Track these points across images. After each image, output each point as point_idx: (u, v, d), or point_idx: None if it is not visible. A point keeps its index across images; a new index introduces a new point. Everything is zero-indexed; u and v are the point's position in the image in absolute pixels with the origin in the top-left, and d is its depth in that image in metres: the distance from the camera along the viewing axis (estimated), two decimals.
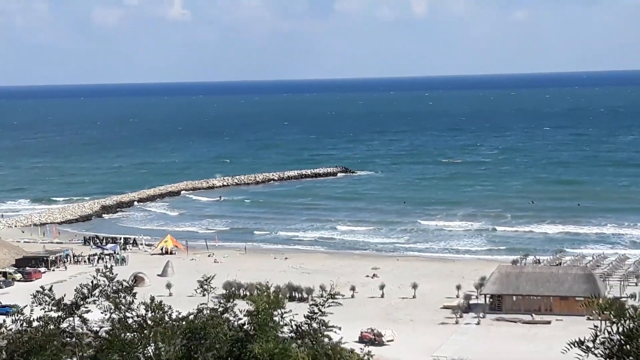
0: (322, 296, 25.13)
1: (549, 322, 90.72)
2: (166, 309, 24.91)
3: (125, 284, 26.01)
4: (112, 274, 26.26)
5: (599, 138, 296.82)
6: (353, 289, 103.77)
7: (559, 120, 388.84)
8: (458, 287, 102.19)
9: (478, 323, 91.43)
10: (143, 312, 24.72)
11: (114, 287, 25.78)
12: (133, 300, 25.09)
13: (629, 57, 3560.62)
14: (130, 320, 24.66)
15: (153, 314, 24.63)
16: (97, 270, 26.56)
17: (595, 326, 13.56)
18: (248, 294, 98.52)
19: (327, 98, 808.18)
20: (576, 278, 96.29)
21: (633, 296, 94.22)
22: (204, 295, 71.18)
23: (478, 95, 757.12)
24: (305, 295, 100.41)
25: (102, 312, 25.43)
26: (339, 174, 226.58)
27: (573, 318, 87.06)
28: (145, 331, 24.14)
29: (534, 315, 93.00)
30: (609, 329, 13.30)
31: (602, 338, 13.33)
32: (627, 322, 13.21)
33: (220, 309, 25.42)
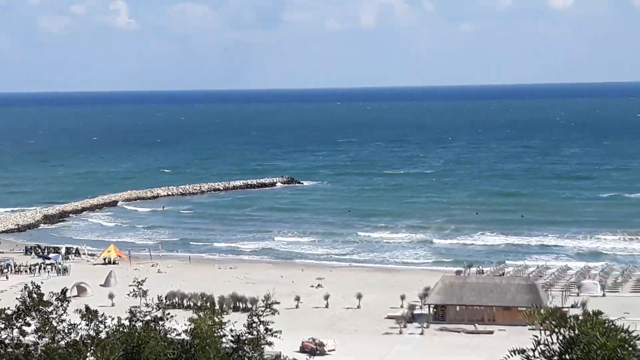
0: (260, 306, 24.92)
1: (491, 332, 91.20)
2: (101, 318, 24.42)
3: (56, 295, 25.46)
4: (40, 290, 25.71)
5: (543, 150, 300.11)
6: (297, 299, 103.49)
7: (503, 132, 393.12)
8: (402, 298, 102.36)
9: (422, 333, 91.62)
10: (78, 321, 24.23)
11: (39, 301, 25.21)
12: (65, 311, 24.58)
13: (575, 70, 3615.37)
14: (61, 334, 24.14)
15: (89, 324, 24.14)
16: (25, 287, 26.04)
17: (535, 336, 13.54)
18: (192, 304, 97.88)
19: (275, 108, 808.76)
20: (519, 288, 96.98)
21: (574, 306, 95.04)
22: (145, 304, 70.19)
23: (424, 106, 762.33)
24: (249, 306, 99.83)
25: (34, 326, 24.88)
26: (284, 184, 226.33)
27: (516, 328, 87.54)
28: (82, 347, 23.64)
29: (477, 325, 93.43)
30: (549, 338, 13.30)
31: (543, 347, 13.31)
32: (567, 331, 13.22)
33: (159, 315, 25.02)
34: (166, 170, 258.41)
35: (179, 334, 25.06)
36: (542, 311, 13.36)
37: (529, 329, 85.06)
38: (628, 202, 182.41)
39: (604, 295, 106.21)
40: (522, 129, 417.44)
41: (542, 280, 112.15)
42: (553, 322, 13.35)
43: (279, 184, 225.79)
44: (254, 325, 24.71)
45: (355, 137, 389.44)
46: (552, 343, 13.27)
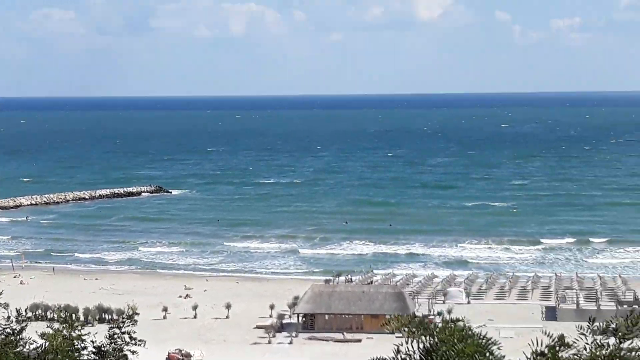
0: (121, 316, 24.26)
1: (359, 340, 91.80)
2: None
3: None
4: None
5: (410, 160, 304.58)
6: (165, 309, 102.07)
7: (372, 142, 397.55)
8: (271, 307, 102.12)
9: (291, 342, 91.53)
10: None
11: None
12: None
13: (441, 81, 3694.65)
14: None
15: None
16: None
17: (395, 344, 13.52)
18: (56, 316, 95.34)
19: (144, 116, 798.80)
20: (386, 296, 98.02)
21: (440, 313, 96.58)
22: None
23: (295, 115, 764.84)
24: (116, 317, 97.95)
25: None
26: (152, 193, 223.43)
27: (383, 336, 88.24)
28: None
29: (345, 333, 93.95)
30: (410, 346, 13.30)
31: (404, 355, 13.29)
32: (427, 338, 13.25)
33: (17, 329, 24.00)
34: (25, 180, 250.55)
35: (37, 348, 24.05)
36: (401, 319, 13.34)
37: (397, 337, 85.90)
38: (492, 211, 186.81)
39: (469, 302, 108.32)
40: (390, 138, 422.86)
41: (409, 288, 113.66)
42: (412, 330, 13.36)
43: (146, 193, 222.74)
44: (116, 336, 23.98)
45: (224, 145, 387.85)
46: (414, 351, 13.27)
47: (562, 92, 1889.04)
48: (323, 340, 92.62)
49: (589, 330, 13.75)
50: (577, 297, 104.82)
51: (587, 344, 13.62)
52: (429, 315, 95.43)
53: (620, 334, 13.79)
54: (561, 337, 13.03)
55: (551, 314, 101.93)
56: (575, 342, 13.93)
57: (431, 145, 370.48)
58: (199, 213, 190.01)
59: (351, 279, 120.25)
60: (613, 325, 14.12)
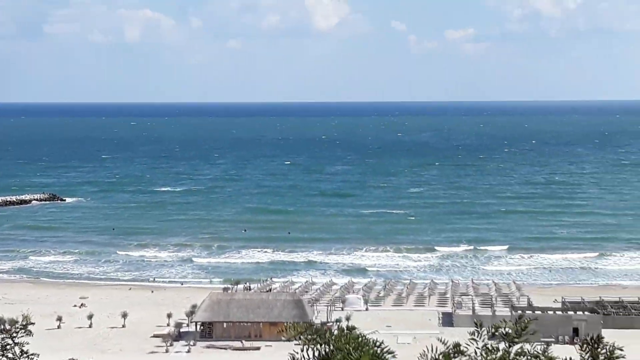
0: (14, 326, 23.61)
1: (258, 348, 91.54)
2: None
3: None
4: None
5: (308, 167, 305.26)
6: (59, 319, 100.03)
7: (271, 149, 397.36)
8: (169, 315, 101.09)
9: (189, 351, 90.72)
10: None
11: None
12: None
13: (339, 89, 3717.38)
14: None
15: None
16: None
17: (291, 352, 13.40)
18: None
19: (38, 122, 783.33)
20: (285, 304, 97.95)
21: (338, 320, 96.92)
22: None
23: (193, 122, 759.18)
24: (8, 327, 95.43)
25: None
26: (45, 201, 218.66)
27: (282, 343, 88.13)
28: None
29: (243, 341, 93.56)
30: (306, 354, 13.20)
31: None
32: (323, 345, 13.17)
33: None
34: None
35: None
36: (297, 326, 13.24)
37: (295, 345, 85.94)
38: (390, 218, 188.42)
39: (367, 309, 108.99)
40: (288, 146, 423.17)
41: (308, 295, 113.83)
42: (308, 337, 13.27)
43: (36, 202, 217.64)
44: (8, 347, 23.34)
45: (120, 152, 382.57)
46: (309, 359, 13.18)
47: (457, 102, 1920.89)
48: (221, 348, 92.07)
49: (479, 335, 13.86)
50: (473, 303, 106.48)
51: (478, 348, 13.75)
52: (328, 322, 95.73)
53: (510, 338, 13.96)
54: (456, 345, 13.14)
55: (448, 319, 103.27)
56: (467, 348, 14.05)
57: (329, 154, 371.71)
58: (94, 221, 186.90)
59: (250, 286, 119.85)
60: (503, 330, 14.29)
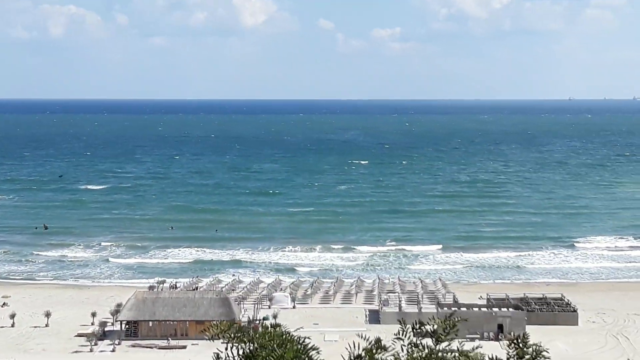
0: None
1: (184, 347, 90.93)
2: None
3: None
4: None
5: (235, 166, 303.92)
6: None
7: (197, 147, 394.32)
8: (93, 315, 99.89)
9: (113, 350, 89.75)
10: None
11: None
12: None
13: (266, 87, 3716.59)
14: None
15: None
16: None
17: (215, 350, 13.28)
18: None
19: None
20: (212, 302, 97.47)
21: (266, 318, 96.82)
22: None
23: (117, 119, 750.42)
24: None
25: None
26: None
27: (209, 342, 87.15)
28: None
29: (169, 340, 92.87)
30: (230, 352, 13.09)
31: None
32: (247, 344, 13.09)
33: None
34: None
35: None
36: (221, 325, 13.12)
37: (222, 343, 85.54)
38: (317, 217, 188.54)
39: (294, 307, 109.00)
40: (214, 144, 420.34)
41: (235, 293, 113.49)
42: (232, 336, 13.17)
43: None
44: None
45: (42, 149, 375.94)
46: (234, 357, 13.07)
47: (383, 100, 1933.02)
48: (147, 347, 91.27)
49: (404, 332, 13.87)
50: (400, 300, 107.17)
51: (404, 345, 13.76)
52: (255, 320, 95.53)
53: (437, 335, 13.99)
54: (378, 341, 13.13)
55: (374, 317, 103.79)
56: (393, 344, 14.06)
57: (256, 152, 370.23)
58: (16, 220, 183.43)
59: (176, 285, 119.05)
60: (430, 327, 14.32)
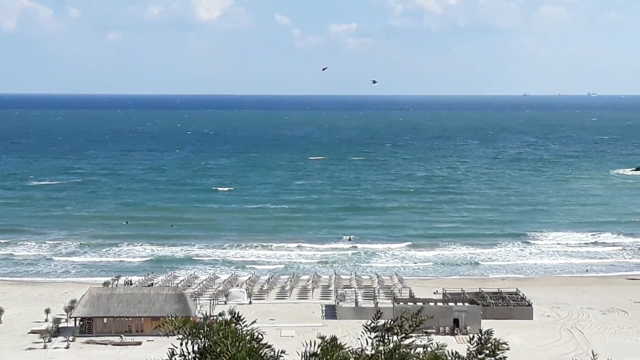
0: None
1: (139, 343, 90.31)
2: None
3: None
4: None
5: (189, 162, 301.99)
6: None
7: (151, 143, 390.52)
8: (47, 311, 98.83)
9: (67, 347, 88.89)
10: None
11: None
12: None
13: (223, 82, 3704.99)
14: None
15: None
16: None
17: (172, 345, 13.09)
18: None
19: None
20: (167, 298, 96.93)
21: (222, 314, 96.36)
22: None
23: (70, 115, 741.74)
24: None
25: None
26: None
27: (164, 338, 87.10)
28: None
29: (123, 336, 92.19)
30: (185, 348, 12.91)
31: (178, 357, 12.88)
32: (202, 340, 12.92)
33: None
34: None
35: None
36: (175, 321, 12.93)
37: (178, 339, 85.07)
38: (273, 213, 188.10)
39: (250, 302, 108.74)
40: (169, 139, 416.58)
41: (191, 289, 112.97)
42: (186, 332, 12.97)
43: None
44: None
45: None
46: (188, 353, 12.90)
47: (340, 96, 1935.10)
48: (101, 343, 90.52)
49: (367, 329, 13.80)
50: (356, 296, 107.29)
51: (370, 337, 13.71)
52: (211, 316, 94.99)
53: (402, 330, 13.94)
54: (333, 339, 13.07)
55: (331, 312, 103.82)
56: (359, 339, 14.01)
57: (210, 147, 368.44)
58: None
59: (131, 281, 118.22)
60: (395, 323, 14.25)
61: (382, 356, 13.20)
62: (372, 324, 13.42)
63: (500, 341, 14.02)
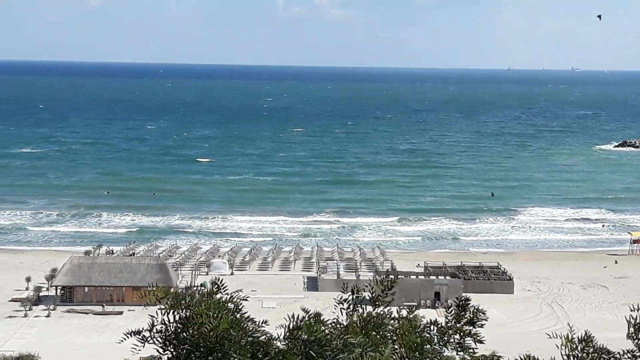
0: None
1: (121, 313, 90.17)
2: None
3: None
4: None
5: (170, 132, 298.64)
6: None
7: (131, 113, 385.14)
8: (28, 279, 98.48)
9: (48, 315, 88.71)
10: None
11: None
12: None
13: (205, 51, 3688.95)
14: None
15: None
16: None
17: (150, 315, 12.87)
18: None
19: None
20: (149, 268, 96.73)
21: (203, 285, 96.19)
22: None
23: (53, 82, 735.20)
24: None
25: None
26: None
27: (146, 308, 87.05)
28: None
29: (104, 305, 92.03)
30: (165, 318, 12.70)
31: (160, 326, 12.67)
32: (182, 311, 12.73)
33: None
34: None
35: None
36: (157, 291, 12.72)
37: (159, 309, 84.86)
38: (256, 184, 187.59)
39: (232, 273, 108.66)
40: (149, 109, 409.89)
41: (173, 259, 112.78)
42: (168, 302, 12.76)
43: None
44: None
45: None
46: (169, 323, 12.70)
47: (324, 67, 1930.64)
48: (82, 312, 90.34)
49: (343, 299, 13.73)
50: (338, 268, 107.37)
51: (344, 309, 13.65)
52: (194, 286, 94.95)
53: (375, 298, 13.90)
54: (317, 314, 12.96)
55: (313, 284, 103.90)
56: (333, 311, 13.93)
57: (191, 118, 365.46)
58: None
59: (112, 250, 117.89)
60: (368, 294, 14.20)
61: (358, 325, 13.17)
62: (344, 296, 13.40)
63: (480, 309, 13.98)
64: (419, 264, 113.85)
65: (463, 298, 14.49)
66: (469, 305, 14.16)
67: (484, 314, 14.31)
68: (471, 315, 14.06)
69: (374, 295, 13.66)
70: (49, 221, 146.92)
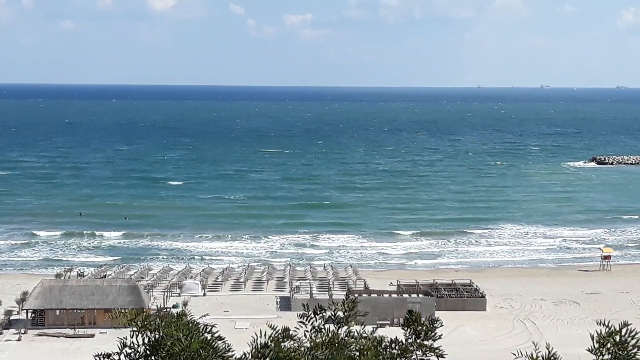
0: None
1: (92, 336, 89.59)
2: None
3: None
4: None
5: (139, 155, 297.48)
6: None
7: (103, 134, 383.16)
8: None
9: (19, 339, 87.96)
10: None
11: None
12: None
13: (176, 73, 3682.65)
14: None
15: None
16: None
17: (119, 338, 12.87)
18: None
19: None
20: (120, 290, 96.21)
21: (176, 306, 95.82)
22: None
23: (24, 105, 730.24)
24: None
25: None
26: None
27: (117, 330, 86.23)
28: None
29: (76, 328, 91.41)
30: (135, 340, 12.71)
31: (129, 350, 12.68)
32: (152, 333, 12.73)
33: None
34: None
35: None
36: (128, 313, 12.74)
37: (131, 332, 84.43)
38: (227, 206, 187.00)
39: (204, 294, 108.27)
40: (120, 130, 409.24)
41: (145, 281, 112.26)
42: (138, 324, 12.78)
43: None
44: None
45: None
46: (139, 345, 12.70)
47: (296, 87, 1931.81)
48: (54, 336, 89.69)
49: (307, 318, 13.82)
50: (311, 287, 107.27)
51: (307, 331, 13.72)
52: (165, 308, 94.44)
53: (339, 319, 14.02)
54: (285, 330, 13.02)
55: (285, 304, 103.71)
56: (297, 331, 14.01)
57: (160, 139, 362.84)
58: None
59: (83, 273, 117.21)
60: (332, 312, 14.31)
61: (322, 347, 13.22)
62: (306, 316, 13.46)
63: (432, 320, 14.10)
64: (391, 283, 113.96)
65: (414, 314, 14.68)
66: (420, 320, 14.33)
67: (436, 321, 14.47)
68: (425, 329, 14.21)
69: (336, 315, 13.80)
70: (18, 245, 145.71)
